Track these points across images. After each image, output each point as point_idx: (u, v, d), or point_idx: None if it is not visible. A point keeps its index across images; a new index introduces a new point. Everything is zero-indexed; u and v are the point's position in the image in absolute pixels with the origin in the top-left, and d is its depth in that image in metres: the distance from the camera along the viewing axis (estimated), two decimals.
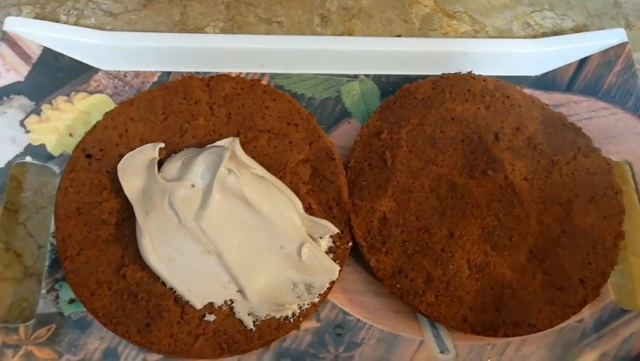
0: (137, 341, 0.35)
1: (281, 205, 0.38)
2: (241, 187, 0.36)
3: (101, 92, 0.43)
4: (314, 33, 0.47)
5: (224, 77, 0.42)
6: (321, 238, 0.38)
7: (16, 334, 0.37)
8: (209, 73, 0.44)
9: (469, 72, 0.44)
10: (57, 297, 0.38)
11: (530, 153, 0.41)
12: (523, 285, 0.37)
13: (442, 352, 0.38)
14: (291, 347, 0.38)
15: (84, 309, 0.37)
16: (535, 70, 0.47)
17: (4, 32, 0.42)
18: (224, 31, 0.46)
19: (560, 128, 0.42)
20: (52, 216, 0.39)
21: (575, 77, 0.46)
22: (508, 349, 0.38)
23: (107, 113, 0.40)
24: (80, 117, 0.42)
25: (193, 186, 0.37)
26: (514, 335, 0.37)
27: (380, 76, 0.45)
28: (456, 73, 0.44)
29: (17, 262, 0.39)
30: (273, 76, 0.45)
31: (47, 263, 0.38)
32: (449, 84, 0.43)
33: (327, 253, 0.38)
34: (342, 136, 0.43)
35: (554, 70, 0.47)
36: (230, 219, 0.37)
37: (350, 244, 0.39)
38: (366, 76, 0.45)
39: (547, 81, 0.46)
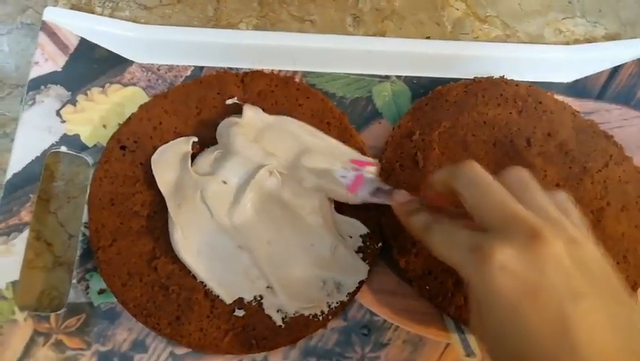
0: (167, 333, 0.35)
1: (315, 203, 0.38)
2: (279, 188, 0.37)
3: (134, 84, 0.43)
4: (346, 33, 0.47)
5: (259, 74, 0.42)
6: (351, 237, 0.38)
7: (47, 322, 0.37)
8: (241, 69, 0.44)
9: (502, 77, 0.44)
10: (87, 287, 0.38)
11: (562, 160, 0.41)
12: None
13: (468, 355, 0.38)
14: (318, 345, 0.38)
15: (114, 300, 0.37)
16: (566, 76, 0.46)
17: (43, 22, 0.42)
18: (256, 27, 0.46)
19: (591, 136, 0.42)
20: (84, 207, 0.39)
21: (607, 85, 0.46)
22: None
23: (141, 106, 0.40)
24: (114, 109, 0.42)
25: (225, 182, 0.37)
26: None
27: (412, 78, 0.45)
28: (488, 77, 0.44)
29: (47, 251, 0.39)
30: (304, 74, 0.44)
31: (79, 253, 0.39)
32: (481, 88, 0.43)
33: (356, 252, 0.38)
34: (372, 136, 0.43)
35: (586, 77, 0.46)
36: (262, 216, 0.37)
37: (380, 244, 0.39)
38: (398, 77, 0.45)
39: (578, 88, 0.46)
